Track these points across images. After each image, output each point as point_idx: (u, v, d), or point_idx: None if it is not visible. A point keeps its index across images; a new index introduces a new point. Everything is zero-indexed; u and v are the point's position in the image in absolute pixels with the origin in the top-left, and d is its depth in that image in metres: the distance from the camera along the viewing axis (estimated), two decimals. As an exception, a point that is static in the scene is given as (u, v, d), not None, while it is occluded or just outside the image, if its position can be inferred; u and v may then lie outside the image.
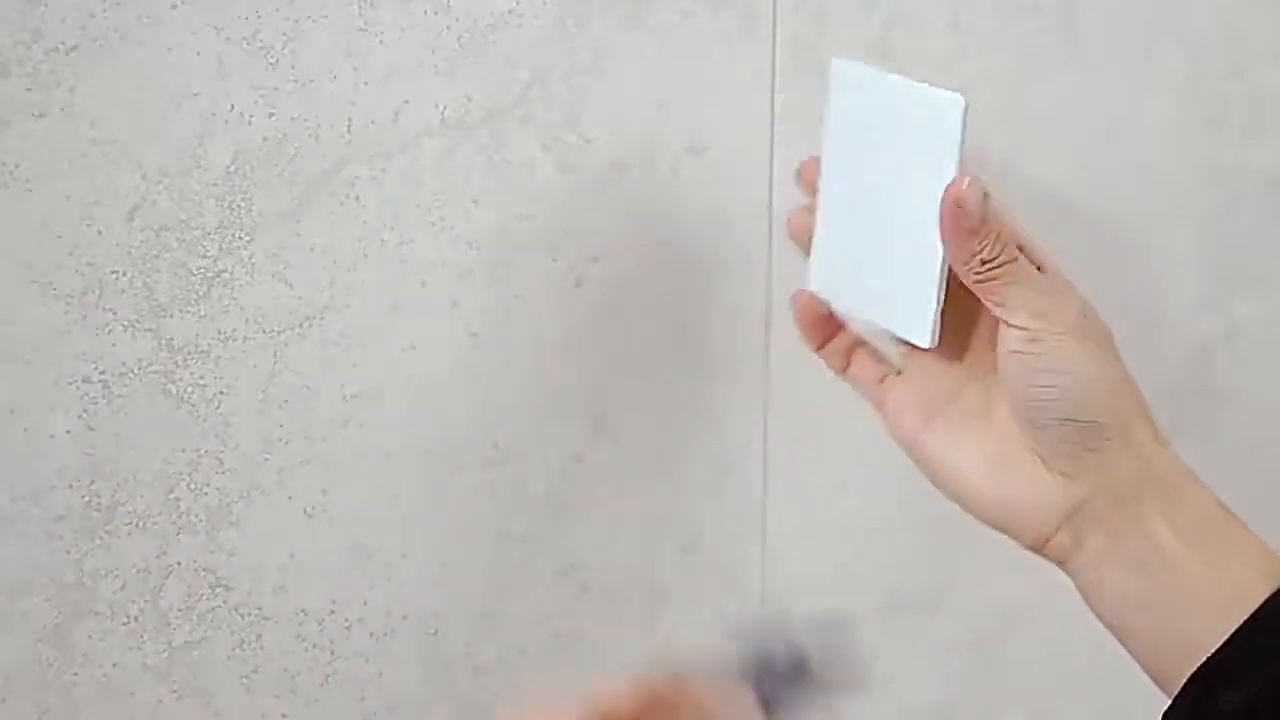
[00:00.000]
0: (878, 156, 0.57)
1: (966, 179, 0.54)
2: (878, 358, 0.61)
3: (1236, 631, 0.53)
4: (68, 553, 0.59)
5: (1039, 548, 0.57)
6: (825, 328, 0.62)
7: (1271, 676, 0.52)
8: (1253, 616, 0.53)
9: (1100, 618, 0.57)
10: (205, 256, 0.59)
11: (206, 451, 0.61)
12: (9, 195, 0.55)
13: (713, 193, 0.70)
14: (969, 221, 0.53)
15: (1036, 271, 0.56)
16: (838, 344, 0.62)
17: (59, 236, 0.56)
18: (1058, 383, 0.55)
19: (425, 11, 0.61)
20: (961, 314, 0.58)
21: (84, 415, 0.58)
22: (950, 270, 0.55)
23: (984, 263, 0.54)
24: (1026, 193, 0.82)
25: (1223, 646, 0.53)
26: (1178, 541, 0.55)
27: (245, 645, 0.64)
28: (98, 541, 0.60)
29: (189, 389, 0.60)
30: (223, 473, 0.62)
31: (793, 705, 0.55)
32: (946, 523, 0.60)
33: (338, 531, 0.65)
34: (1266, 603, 0.53)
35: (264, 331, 0.61)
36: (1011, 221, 0.56)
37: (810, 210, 0.61)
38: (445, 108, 0.63)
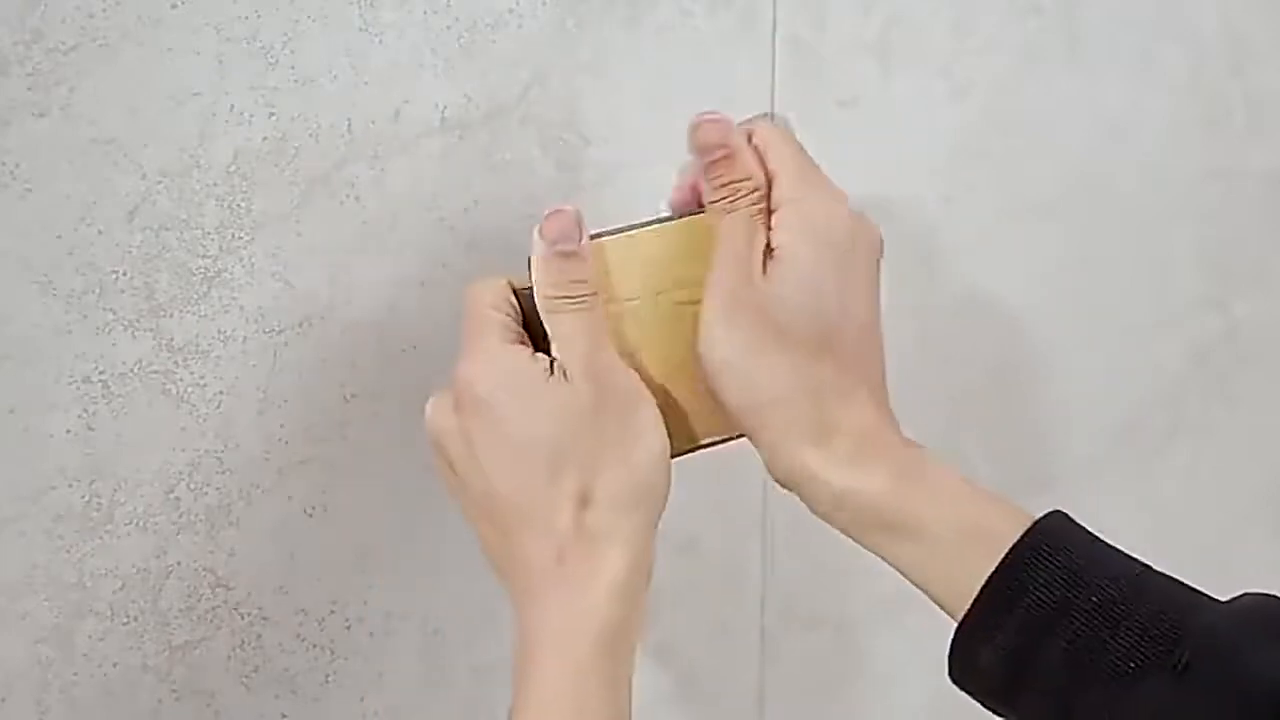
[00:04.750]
0: None
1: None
2: None
3: (984, 587, 0.54)
4: (68, 553, 0.59)
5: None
6: None
7: (1022, 623, 0.53)
8: (998, 570, 0.54)
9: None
10: (205, 256, 0.59)
11: (206, 451, 0.61)
12: (9, 195, 0.55)
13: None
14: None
15: None
16: None
17: (59, 236, 0.56)
18: None
19: (425, 11, 0.61)
20: None
21: (84, 415, 0.58)
22: None
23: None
24: (1027, 192, 0.82)
25: (974, 605, 0.54)
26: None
27: (245, 645, 0.64)
28: (98, 541, 0.60)
29: (189, 389, 0.60)
30: (223, 473, 0.62)
31: None
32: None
33: (338, 531, 0.65)
34: (1009, 553, 0.54)
35: (264, 331, 0.61)
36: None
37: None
38: (445, 108, 0.63)
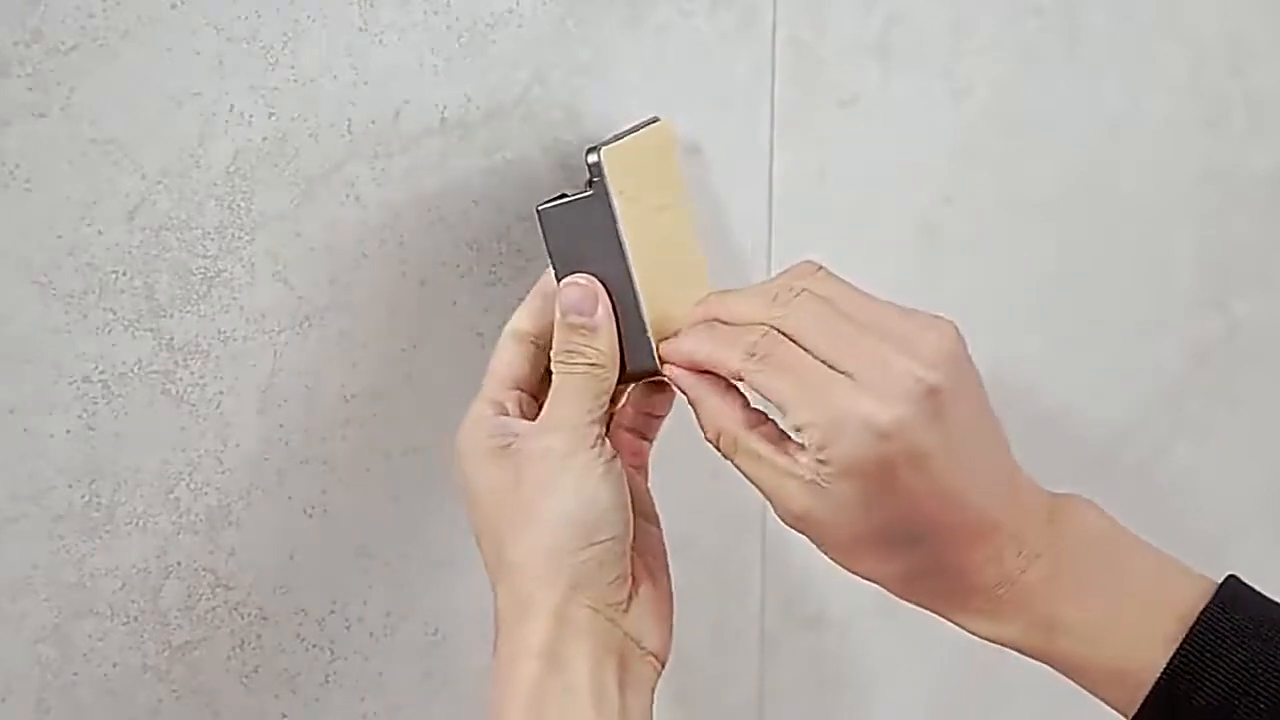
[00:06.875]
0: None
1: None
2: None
3: (1192, 631, 0.54)
4: (68, 553, 0.59)
5: None
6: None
7: (1242, 662, 0.53)
8: (1205, 613, 0.54)
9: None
10: (205, 256, 0.59)
11: (206, 451, 0.61)
12: (9, 195, 0.55)
13: (712, 192, 0.70)
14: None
15: None
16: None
17: (59, 236, 0.56)
18: None
19: (425, 11, 0.61)
20: None
21: (84, 415, 0.58)
22: None
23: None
24: (1027, 193, 0.82)
25: (1181, 650, 0.54)
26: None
27: (245, 645, 0.64)
28: (98, 541, 0.60)
29: (189, 389, 0.60)
30: (223, 473, 0.62)
31: None
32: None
33: (338, 531, 0.65)
34: (1210, 604, 0.54)
35: (264, 331, 0.61)
36: None
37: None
38: (445, 108, 0.63)
